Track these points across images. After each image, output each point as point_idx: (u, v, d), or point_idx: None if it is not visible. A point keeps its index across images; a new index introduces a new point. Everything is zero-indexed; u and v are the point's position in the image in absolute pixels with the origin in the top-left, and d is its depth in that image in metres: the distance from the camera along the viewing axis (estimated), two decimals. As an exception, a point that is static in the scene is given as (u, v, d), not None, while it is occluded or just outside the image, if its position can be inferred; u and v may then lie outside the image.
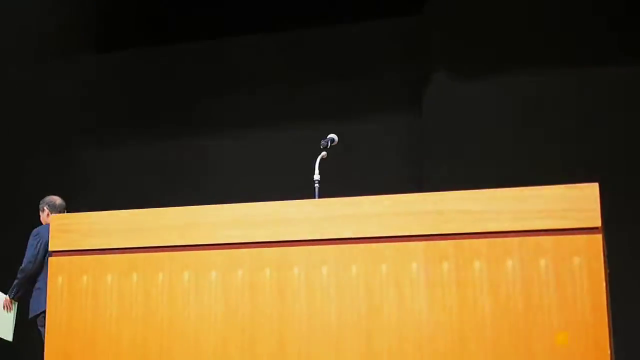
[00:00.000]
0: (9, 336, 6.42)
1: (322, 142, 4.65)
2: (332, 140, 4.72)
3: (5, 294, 6.54)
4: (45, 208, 6.69)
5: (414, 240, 3.66)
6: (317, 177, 4.54)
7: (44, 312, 6.00)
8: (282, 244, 3.76)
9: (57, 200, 6.72)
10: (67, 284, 4.06)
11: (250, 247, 3.81)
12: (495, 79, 7.67)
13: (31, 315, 6.43)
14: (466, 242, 3.59)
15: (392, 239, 3.68)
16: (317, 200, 4.14)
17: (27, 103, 9.35)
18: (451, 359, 3.52)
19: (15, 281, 6.50)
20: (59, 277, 4.08)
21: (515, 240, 3.54)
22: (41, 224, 6.65)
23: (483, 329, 3.50)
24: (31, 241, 6.47)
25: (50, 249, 4.12)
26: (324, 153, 4.64)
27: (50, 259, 4.11)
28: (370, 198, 3.76)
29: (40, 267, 6.36)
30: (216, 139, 8.80)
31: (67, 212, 6.51)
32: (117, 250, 3.99)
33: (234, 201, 3.94)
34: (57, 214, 4.16)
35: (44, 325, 5.53)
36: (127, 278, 3.95)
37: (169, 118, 9.10)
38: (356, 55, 8.34)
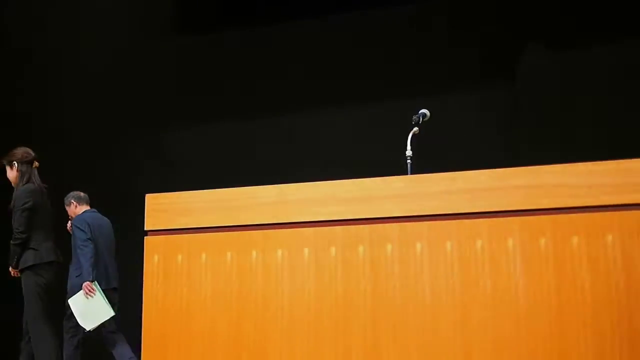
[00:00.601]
0: (109, 313, 6.56)
1: (414, 117, 4.58)
2: (424, 115, 4.64)
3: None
4: (72, 201, 7.06)
5: (509, 216, 3.58)
6: (409, 153, 4.47)
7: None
8: (375, 221, 3.73)
9: (81, 193, 7.15)
10: (163, 263, 4.11)
11: (343, 225, 3.79)
12: (590, 47, 7.44)
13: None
14: (563, 217, 3.49)
15: (487, 214, 3.61)
16: (409, 177, 4.09)
17: (116, 86, 9.54)
18: (550, 336, 3.44)
19: (85, 265, 6.56)
20: (155, 255, 4.14)
21: (615, 214, 3.43)
22: (71, 217, 6.98)
23: (583, 306, 3.41)
24: (79, 225, 6.70)
25: (145, 228, 4.18)
26: (415, 128, 4.57)
27: (146, 238, 4.18)
28: (463, 174, 3.69)
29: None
30: (304, 117, 8.81)
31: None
32: (211, 229, 4.02)
33: (326, 178, 3.92)
34: (150, 194, 4.19)
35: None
36: (222, 256, 3.98)
37: (256, 98, 9.15)
38: (448, 28, 8.20)
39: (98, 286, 6.55)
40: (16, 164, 6.02)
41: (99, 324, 6.51)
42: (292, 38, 8.94)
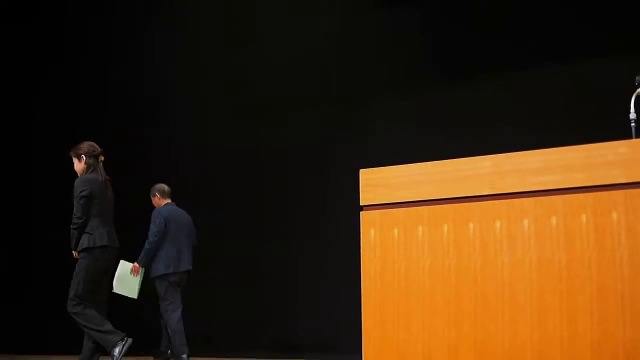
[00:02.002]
0: (134, 295, 7.86)
1: (637, 78, 4.32)
2: (648, 75, 4.38)
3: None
4: (156, 194, 8.34)
5: None
6: (632, 115, 4.23)
7: (160, 275, 7.87)
8: (598, 188, 3.56)
9: (165, 187, 8.35)
10: (379, 237, 4.13)
11: (563, 194, 3.64)
12: None
13: (152, 276, 8.02)
14: None
15: None
16: (635, 141, 3.86)
17: (319, 56, 9.73)
18: None
19: (143, 251, 7.93)
20: (371, 230, 4.16)
21: None
22: (154, 207, 8.24)
23: None
24: (155, 219, 8.01)
25: (361, 203, 4.22)
26: None
27: (362, 213, 4.21)
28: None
29: (162, 240, 7.93)
30: (497, 85, 8.64)
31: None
32: (426, 202, 3.99)
33: (526, 148, 3.78)
34: (364, 169, 4.21)
35: (160, 285, 7.93)
36: (438, 229, 3.95)
37: (450, 67, 9.06)
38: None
39: (142, 272, 7.91)
40: (84, 157, 6.52)
41: (122, 294, 7.75)
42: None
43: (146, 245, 7.93)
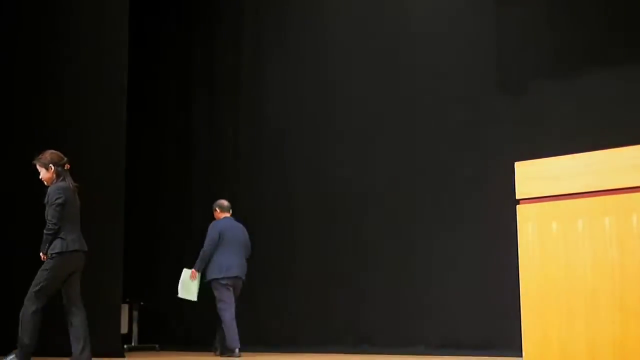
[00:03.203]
0: (194, 298, 9.21)
1: None
2: None
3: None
4: (216, 208, 9.42)
5: None
6: None
7: (213, 279, 9.05)
8: None
9: (225, 202, 9.43)
10: (537, 231, 4.02)
11: None
12: None
13: (206, 279, 9.14)
14: None
15: None
16: None
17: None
18: None
19: (198, 258, 9.10)
20: (529, 224, 4.06)
21: None
22: (214, 219, 9.34)
23: None
24: (210, 231, 9.11)
25: (517, 197, 4.12)
26: None
27: (518, 207, 4.12)
28: None
29: (215, 248, 9.02)
30: None
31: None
32: (585, 194, 3.85)
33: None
34: (519, 162, 4.12)
35: (215, 287, 9.06)
36: (599, 222, 3.80)
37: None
38: None
39: (199, 277, 9.17)
40: (52, 166, 6.83)
41: (183, 298, 9.25)
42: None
43: (201, 253, 9.11)
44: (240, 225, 9.34)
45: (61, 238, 6.70)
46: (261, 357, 8.98)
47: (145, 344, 10.91)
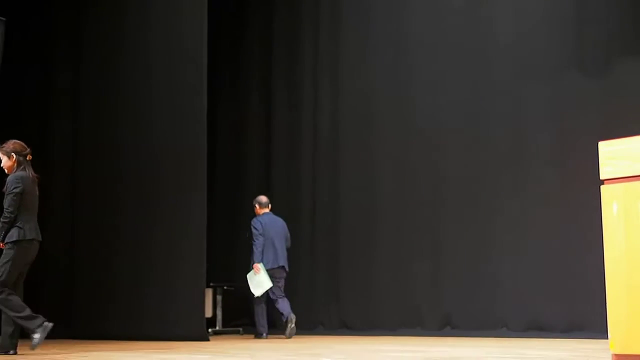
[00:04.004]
0: (269, 285, 9.65)
1: None
2: None
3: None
4: (256, 205, 10.05)
5: None
6: None
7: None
8: None
9: (264, 198, 10.10)
10: (622, 211, 3.97)
11: None
12: None
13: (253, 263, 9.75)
14: None
15: None
16: None
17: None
18: None
19: (253, 253, 9.74)
20: (613, 204, 4.01)
21: None
22: (255, 215, 9.97)
23: None
24: (254, 226, 9.78)
25: (601, 177, 4.07)
26: None
27: (602, 187, 4.07)
28: None
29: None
30: None
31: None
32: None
33: None
34: (603, 142, 4.06)
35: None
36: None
37: None
38: None
39: (263, 266, 9.68)
40: (14, 155, 6.84)
41: (263, 292, 9.64)
42: None
43: (254, 248, 9.78)
44: (280, 219, 10.05)
45: (18, 227, 6.75)
46: (315, 338, 9.08)
47: (229, 328, 11.10)
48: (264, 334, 9.80)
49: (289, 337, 9.41)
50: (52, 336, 6.91)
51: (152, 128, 9.58)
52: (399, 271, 10.26)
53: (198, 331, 8.82)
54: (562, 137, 9.31)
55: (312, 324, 10.69)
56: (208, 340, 8.83)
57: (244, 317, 11.19)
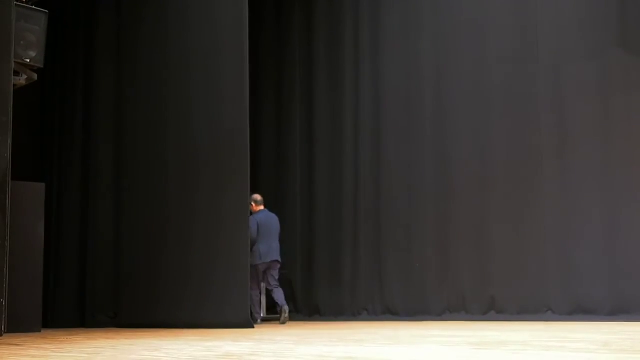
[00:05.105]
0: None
1: None
2: None
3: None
4: (252, 203, 10.38)
5: None
6: None
7: (254, 265, 10.07)
8: None
9: (258, 197, 10.63)
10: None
11: None
12: None
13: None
14: None
15: None
16: None
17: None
18: None
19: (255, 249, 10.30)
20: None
21: None
22: (251, 213, 10.19)
23: None
24: (251, 224, 9.91)
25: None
26: None
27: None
28: None
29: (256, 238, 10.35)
30: None
31: None
32: None
33: None
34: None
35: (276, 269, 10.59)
36: None
37: None
38: None
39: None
40: None
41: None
42: None
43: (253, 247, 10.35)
44: (274, 215, 10.70)
45: None
46: (359, 324, 9.08)
47: (273, 315, 11.16)
48: (258, 320, 10.39)
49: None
50: (99, 325, 7.00)
51: (193, 121, 9.65)
52: (443, 256, 10.26)
53: (243, 318, 8.88)
54: (605, 116, 9.21)
55: (356, 310, 10.73)
56: (252, 327, 8.89)
57: (288, 304, 11.27)
